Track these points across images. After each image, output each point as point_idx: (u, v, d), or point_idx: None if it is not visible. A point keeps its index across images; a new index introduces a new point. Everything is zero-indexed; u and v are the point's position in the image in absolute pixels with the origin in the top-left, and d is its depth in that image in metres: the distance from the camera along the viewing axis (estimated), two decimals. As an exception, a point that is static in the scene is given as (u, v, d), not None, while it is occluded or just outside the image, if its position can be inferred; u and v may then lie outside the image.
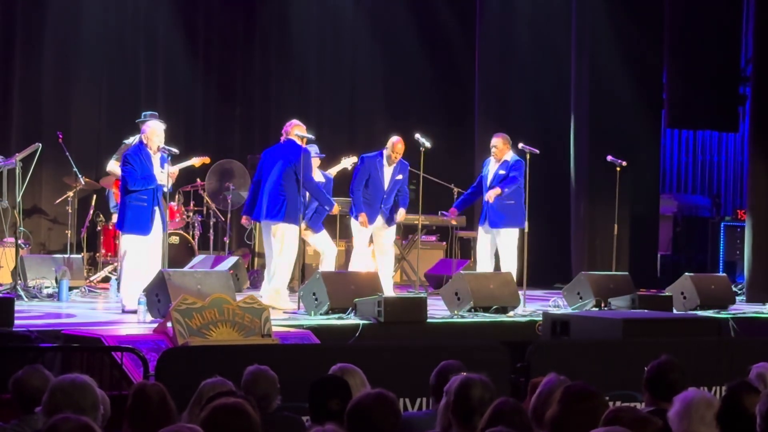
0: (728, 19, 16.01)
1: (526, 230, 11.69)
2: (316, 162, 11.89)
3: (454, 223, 12.75)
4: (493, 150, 12.04)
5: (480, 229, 12.15)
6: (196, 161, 12.65)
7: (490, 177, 12.03)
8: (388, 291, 11.19)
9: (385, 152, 11.81)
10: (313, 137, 11.59)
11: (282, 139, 11.15)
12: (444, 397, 5.12)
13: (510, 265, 11.78)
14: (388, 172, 11.87)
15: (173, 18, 15.53)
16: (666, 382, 5.84)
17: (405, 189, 12.01)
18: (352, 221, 11.88)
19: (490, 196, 11.81)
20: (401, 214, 11.99)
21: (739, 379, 4.85)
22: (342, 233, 12.77)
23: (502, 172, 11.95)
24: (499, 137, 12.11)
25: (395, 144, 11.82)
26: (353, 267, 11.68)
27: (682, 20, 15.69)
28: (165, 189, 10.56)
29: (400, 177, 11.93)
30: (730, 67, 16.27)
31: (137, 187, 10.30)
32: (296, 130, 11.08)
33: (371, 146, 12.20)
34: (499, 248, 11.95)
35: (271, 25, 16.29)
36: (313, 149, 11.82)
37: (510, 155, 12.00)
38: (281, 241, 10.91)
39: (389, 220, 11.89)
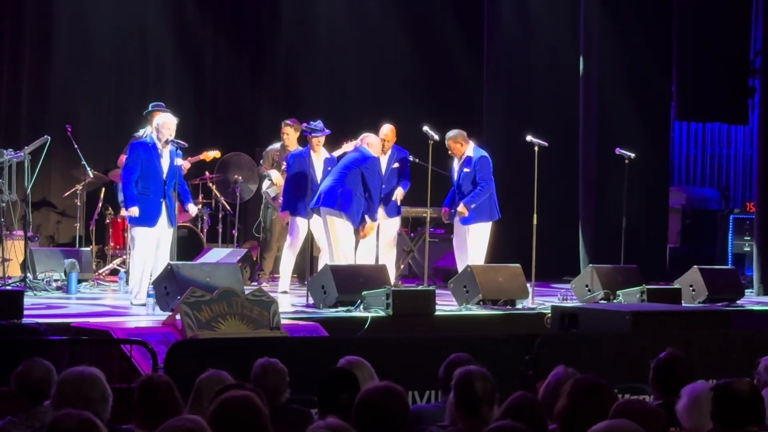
0: (737, 11, 15.96)
1: (534, 222, 11.67)
2: (321, 140, 11.93)
3: (446, 221, 12.75)
4: (449, 152, 11.95)
5: (454, 225, 12.08)
6: (206, 155, 12.67)
7: (455, 176, 11.93)
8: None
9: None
10: (318, 127, 11.73)
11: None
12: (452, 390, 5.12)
13: (477, 260, 11.70)
14: (383, 160, 11.92)
15: (182, 10, 15.52)
16: (673, 378, 5.84)
17: (407, 174, 12.07)
18: None
19: (461, 213, 11.73)
20: (399, 193, 12.02)
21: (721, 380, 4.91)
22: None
23: (467, 170, 11.81)
24: (449, 139, 11.91)
25: (383, 131, 11.95)
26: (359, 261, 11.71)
27: (691, 12, 15.65)
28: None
29: (396, 165, 11.99)
30: (740, 59, 16.22)
31: (126, 181, 10.44)
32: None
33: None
34: (468, 243, 11.89)
35: (282, 21, 16.27)
36: (318, 125, 11.86)
37: (471, 149, 11.92)
38: None
39: (389, 211, 11.91)
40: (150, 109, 12.27)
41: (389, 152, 12.01)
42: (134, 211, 10.31)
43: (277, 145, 13.16)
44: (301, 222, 11.77)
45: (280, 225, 12.97)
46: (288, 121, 13.13)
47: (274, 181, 12.94)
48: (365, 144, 11.55)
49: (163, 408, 4.82)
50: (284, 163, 12.79)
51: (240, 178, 14.08)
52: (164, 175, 10.43)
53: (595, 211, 15.13)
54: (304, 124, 12.01)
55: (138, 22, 15.24)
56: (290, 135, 12.99)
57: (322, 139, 12.00)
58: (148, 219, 10.36)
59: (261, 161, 13.30)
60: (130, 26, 15.18)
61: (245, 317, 8.34)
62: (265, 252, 13.12)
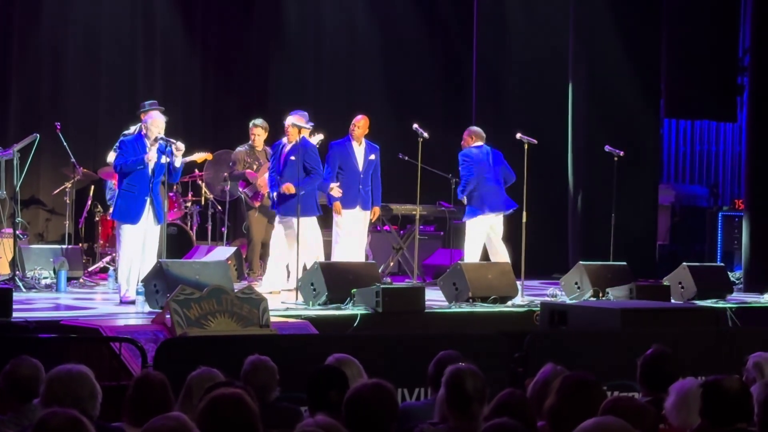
0: (726, 9, 16.01)
1: (524, 220, 11.71)
2: (306, 132, 11.89)
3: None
4: (464, 143, 12.14)
5: (495, 217, 12.17)
6: (197, 157, 12.63)
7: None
8: None
9: (351, 133, 11.91)
10: (309, 126, 11.75)
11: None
12: (442, 388, 5.13)
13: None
14: (359, 152, 11.99)
15: (171, 8, 15.50)
16: (660, 375, 5.86)
17: (378, 181, 12.10)
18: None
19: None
20: (375, 213, 12.16)
21: (710, 377, 4.94)
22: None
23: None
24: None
25: (357, 120, 12.01)
26: (336, 257, 11.72)
27: (680, 9, 15.68)
28: (163, 178, 10.61)
29: (372, 157, 12.03)
30: (728, 57, 16.26)
31: (127, 166, 10.37)
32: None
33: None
34: (495, 235, 12.08)
35: (269, 15, 16.26)
36: (303, 118, 11.80)
37: None
38: None
39: (366, 205, 11.94)
40: (146, 108, 12.24)
41: (363, 144, 12.02)
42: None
43: (245, 146, 13.17)
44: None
45: (261, 224, 12.97)
46: (257, 121, 13.13)
47: (251, 181, 12.96)
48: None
49: (155, 406, 4.81)
50: (256, 163, 12.82)
51: (229, 175, 14.05)
52: (150, 173, 10.42)
53: (584, 209, 15.15)
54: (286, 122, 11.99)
55: (128, 19, 15.21)
56: (260, 135, 13.03)
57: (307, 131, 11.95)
58: (131, 216, 10.36)
59: (231, 164, 13.27)
60: (120, 24, 15.14)
61: (235, 315, 8.33)
62: (251, 252, 13.11)
